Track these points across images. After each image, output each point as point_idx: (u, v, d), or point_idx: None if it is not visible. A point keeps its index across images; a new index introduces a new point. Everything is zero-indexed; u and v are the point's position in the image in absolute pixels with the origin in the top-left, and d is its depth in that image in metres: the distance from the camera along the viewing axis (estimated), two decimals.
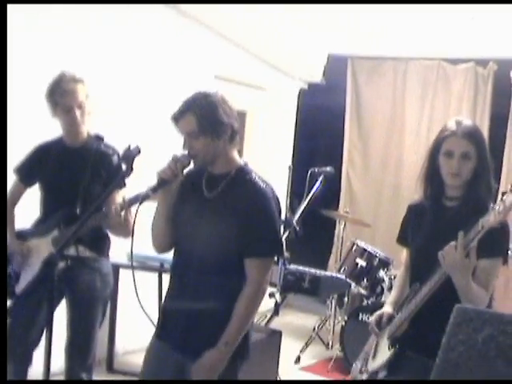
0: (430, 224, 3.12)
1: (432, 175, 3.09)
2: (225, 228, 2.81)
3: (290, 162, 7.47)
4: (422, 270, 3.06)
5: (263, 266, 2.85)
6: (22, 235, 3.87)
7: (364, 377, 3.30)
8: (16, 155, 3.87)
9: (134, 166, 2.83)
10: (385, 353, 3.13)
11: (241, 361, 2.91)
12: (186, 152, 2.85)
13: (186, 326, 2.87)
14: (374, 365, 3.24)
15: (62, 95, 3.64)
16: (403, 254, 3.43)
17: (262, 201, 2.84)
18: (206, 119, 2.78)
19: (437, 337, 2.79)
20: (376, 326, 3.24)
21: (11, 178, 3.86)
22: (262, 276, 2.85)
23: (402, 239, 3.36)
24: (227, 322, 2.81)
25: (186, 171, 2.94)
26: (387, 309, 3.27)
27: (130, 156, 2.81)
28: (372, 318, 3.29)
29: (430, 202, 3.13)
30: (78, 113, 3.68)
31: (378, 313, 3.27)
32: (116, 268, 4.63)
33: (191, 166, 2.88)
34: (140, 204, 2.84)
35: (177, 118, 2.83)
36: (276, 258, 3.90)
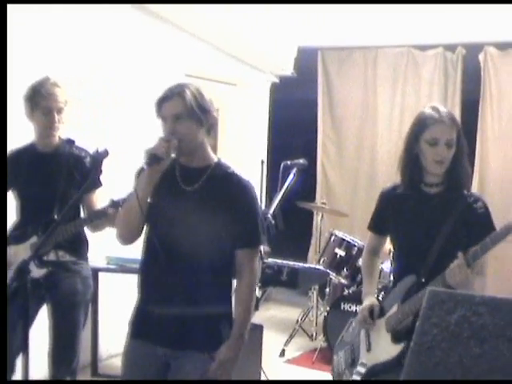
0: (414, 213, 3.15)
1: (411, 162, 3.12)
2: (213, 220, 2.81)
3: (265, 157, 7.49)
4: (414, 260, 3.12)
5: (255, 255, 2.93)
6: None
7: (360, 369, 3.26)
8: None
9: (102, 168, 2.82)
10: (387, 346, 3.13)
11: None
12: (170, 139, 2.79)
13: (177, 321, 2.83)
14: (374, 358, 3.21)
15: (44, 97, 3.67)
16: (369, 240, 3.49)
17: (248, 193, 2.89)
18: (195, 103, 2.79)
19: None
20: (369, 318, 3.25)
21: None
22: (255, 264, 2.93)
23: (376, 226, 3.41)
24: (222, 312, 2.87)
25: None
26: (373, 300, 3.30)
27: (99, 158, 2.81)
28: (363, 311, 3.27)
29: (409, 190, 3.16)
30: (56, 117, 3.71)
31: (368, 305, 3.27)
32: (95, 272, 4.62)
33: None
34: (138, 177, 2.79)
35: (164, 99, 2.81)
36: None
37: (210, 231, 2.82)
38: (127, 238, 2.99)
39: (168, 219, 2.86)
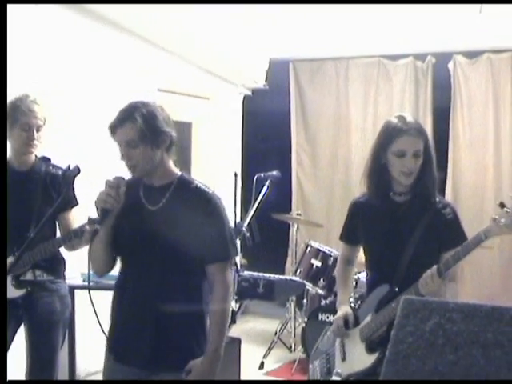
0: (384, 222, 3.16)
1: (379, 173, 3.11)
2: (181, 238, 2.79)
3: (239, 169, 7.49)
4: (386, 270, 3.13)
5: (227, 268, 2.89)
6: None
7: (335, 379, 3.27)
8: None
9: (75, 186, 2.82)
10: (362, 356, 3.14)
11: None
12: (127, 164, 2.82)
13: (149, 341, 2.82)
14: (348, 368, 3.22)
15: (24, 113, 3.63)
16: (342, 250, 3.52)
17: (214, 206, 2.86)
18: (147, 127, 2.75)
19: None
20: (343, 328, 3.26)
21: None
22: (229, 277, 2.89)
23: (348, 237, 3.42)
24: (195, 329, 2.85)
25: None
26: (347, 309, 3.31)
27: (70, 175, 2.80)
28: (338, 321, 3.28)
29: (379, 199, 3.17)
30: (35, 134, 3.68)
31: (342, 314, 3.28)
32: (71, 289, 4.59)
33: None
34: (92, 239, 2.82)
35: (115, 127, 2.79)
36: None
37: (179, 249, 2.80)
38: (99, 271, 3.02)
39: (137, 240, 2.86)
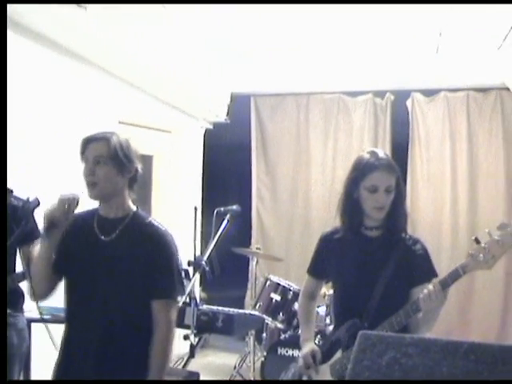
0: (355, 256, 3.14)
1: (352, 207, 3.12)
2: (129, 271, 2.83)
3: (199, 203, 7.48)
4: (355, 304, 3.11)
5: (172, 307, 2.91)
6: None
7: None
8: None
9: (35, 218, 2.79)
10: None
11: None
12: (88, 180, 2.84)
13: (99, 373, 2.81)
14: None
15: None
16: (306, 284, 3.47)
17: (165, 243, 2.90)
18: (120, 150, 2.82)
19: None
20: (314, 364, 3.22)
21: None
22: (172, 315, 2.90)
23: (316, 270, 3.39)
24: (140, 362, 2.83)
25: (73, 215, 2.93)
26: (313, 345, 3.28)
27: (29, 208, 2.78)
28: (306, 358, 3.25)
29: (350, 233, 3.16)
30: None
31: (309, 351, 3.25)
32: (28, 322, 4.52)
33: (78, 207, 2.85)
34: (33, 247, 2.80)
35: (89, 141, 2.83)
36: (188, 300, 3.90)
37: (126, 281, 2.83)
38: (39, 295, 2.98)
39: (85, 269, 2.87)
